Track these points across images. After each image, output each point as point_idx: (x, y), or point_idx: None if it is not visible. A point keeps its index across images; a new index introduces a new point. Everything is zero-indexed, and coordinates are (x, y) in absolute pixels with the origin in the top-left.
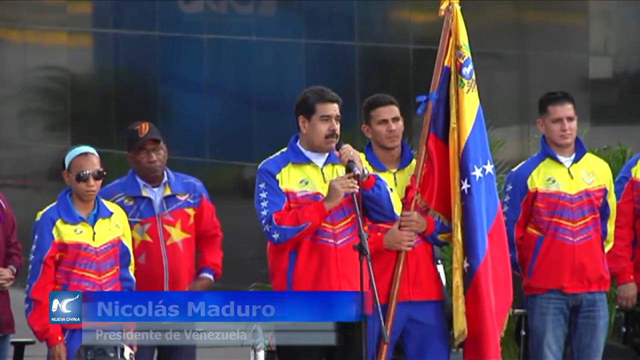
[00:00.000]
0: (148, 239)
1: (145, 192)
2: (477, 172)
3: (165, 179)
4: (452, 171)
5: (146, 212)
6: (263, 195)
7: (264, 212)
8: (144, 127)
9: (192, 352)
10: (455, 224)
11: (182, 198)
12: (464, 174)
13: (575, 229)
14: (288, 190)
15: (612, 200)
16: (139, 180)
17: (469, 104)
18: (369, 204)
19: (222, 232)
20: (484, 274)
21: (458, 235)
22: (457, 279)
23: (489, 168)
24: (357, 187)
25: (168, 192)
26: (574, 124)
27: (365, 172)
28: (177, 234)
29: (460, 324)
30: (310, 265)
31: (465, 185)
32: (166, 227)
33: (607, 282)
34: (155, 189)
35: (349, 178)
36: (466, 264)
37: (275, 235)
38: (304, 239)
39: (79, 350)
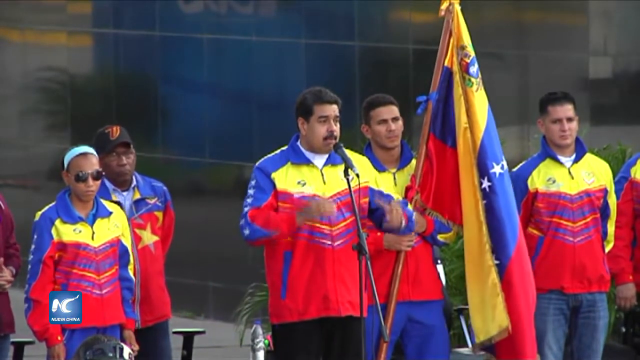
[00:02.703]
0: None
1: (114, 197)
2: (497, 169)
3: (134, 182)
4: (464, 171)
5: None
6: (251, 192)
7: (246, 208)
8: (115, 131)
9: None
10: (481, 221)
11: (152, 201)
12: (483, 171)
13: (575, 229)
14: (285, 190)
15: (612, 201)
16: (108, 184)
17: (480, 102)
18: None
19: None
20: (516, 269)
21: (485, 236)
22: (494, 276)
23: (504, 165)
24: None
25: (137, 195)
26: (574, 124)
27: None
28: (148, 237)
29: (503, 320)
30: (306, 265)
31: (485, 183)
32: (137, 230)
33: (607, 283)
34: (125, 193)
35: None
36: (496, 261)
37: (246, 232)
38: (299, 239)
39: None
